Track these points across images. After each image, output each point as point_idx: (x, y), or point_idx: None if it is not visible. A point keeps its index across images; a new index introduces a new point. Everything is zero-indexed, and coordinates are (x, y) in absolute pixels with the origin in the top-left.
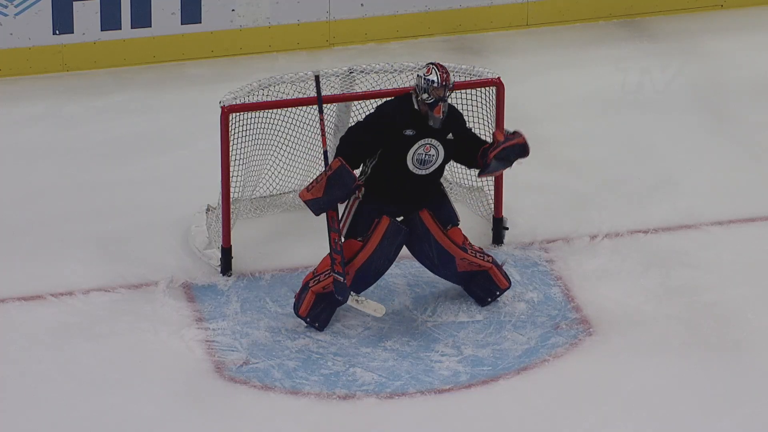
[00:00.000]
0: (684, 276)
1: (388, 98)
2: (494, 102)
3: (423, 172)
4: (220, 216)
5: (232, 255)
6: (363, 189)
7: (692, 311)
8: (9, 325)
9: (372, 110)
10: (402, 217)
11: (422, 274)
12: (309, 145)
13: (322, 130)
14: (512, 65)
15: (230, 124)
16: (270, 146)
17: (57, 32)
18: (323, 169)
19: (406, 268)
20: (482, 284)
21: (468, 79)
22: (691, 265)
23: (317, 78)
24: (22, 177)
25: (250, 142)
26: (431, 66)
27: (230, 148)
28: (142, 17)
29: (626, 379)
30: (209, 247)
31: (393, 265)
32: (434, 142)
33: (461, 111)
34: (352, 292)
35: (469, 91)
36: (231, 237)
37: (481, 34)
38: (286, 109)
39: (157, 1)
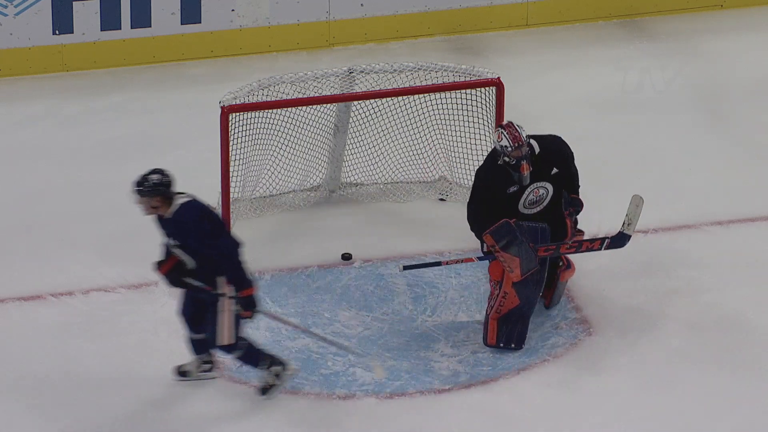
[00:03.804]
0: (684, 276)
1: (481, 163)
2: (494, 102)
3: (535, 211)
4: (220, 216)
5: None
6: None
7: (692, 311)
8: (9, 325)
9: (471, 179)
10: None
11: (422, 274)
12: (309, 145)
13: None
14: (512, 65)
15: (230, 124)
16: (270, 146)
17: (57, 32)
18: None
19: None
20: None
21: (468, 79)
22: (691, 265)
23: (404, 268)
24: (22, 177)
25: (250, 142)
26: (500, 131)
27: (230, 148)
28: (142, 17)
29: (626, 379)
30: None
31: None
32: (540, 183)
33: (463, 112)
34: None
35: (469, 91)
36: None
37: (481, 34)
38: (286, 109)
39: (157, 1)
